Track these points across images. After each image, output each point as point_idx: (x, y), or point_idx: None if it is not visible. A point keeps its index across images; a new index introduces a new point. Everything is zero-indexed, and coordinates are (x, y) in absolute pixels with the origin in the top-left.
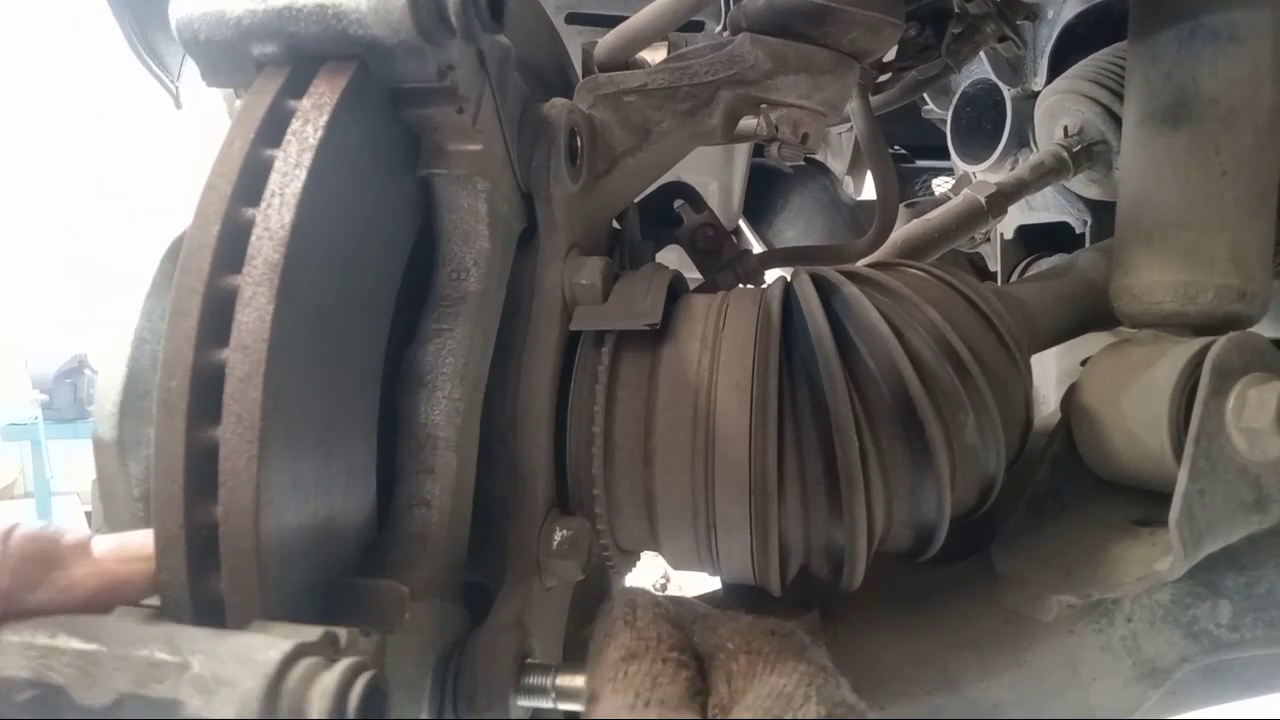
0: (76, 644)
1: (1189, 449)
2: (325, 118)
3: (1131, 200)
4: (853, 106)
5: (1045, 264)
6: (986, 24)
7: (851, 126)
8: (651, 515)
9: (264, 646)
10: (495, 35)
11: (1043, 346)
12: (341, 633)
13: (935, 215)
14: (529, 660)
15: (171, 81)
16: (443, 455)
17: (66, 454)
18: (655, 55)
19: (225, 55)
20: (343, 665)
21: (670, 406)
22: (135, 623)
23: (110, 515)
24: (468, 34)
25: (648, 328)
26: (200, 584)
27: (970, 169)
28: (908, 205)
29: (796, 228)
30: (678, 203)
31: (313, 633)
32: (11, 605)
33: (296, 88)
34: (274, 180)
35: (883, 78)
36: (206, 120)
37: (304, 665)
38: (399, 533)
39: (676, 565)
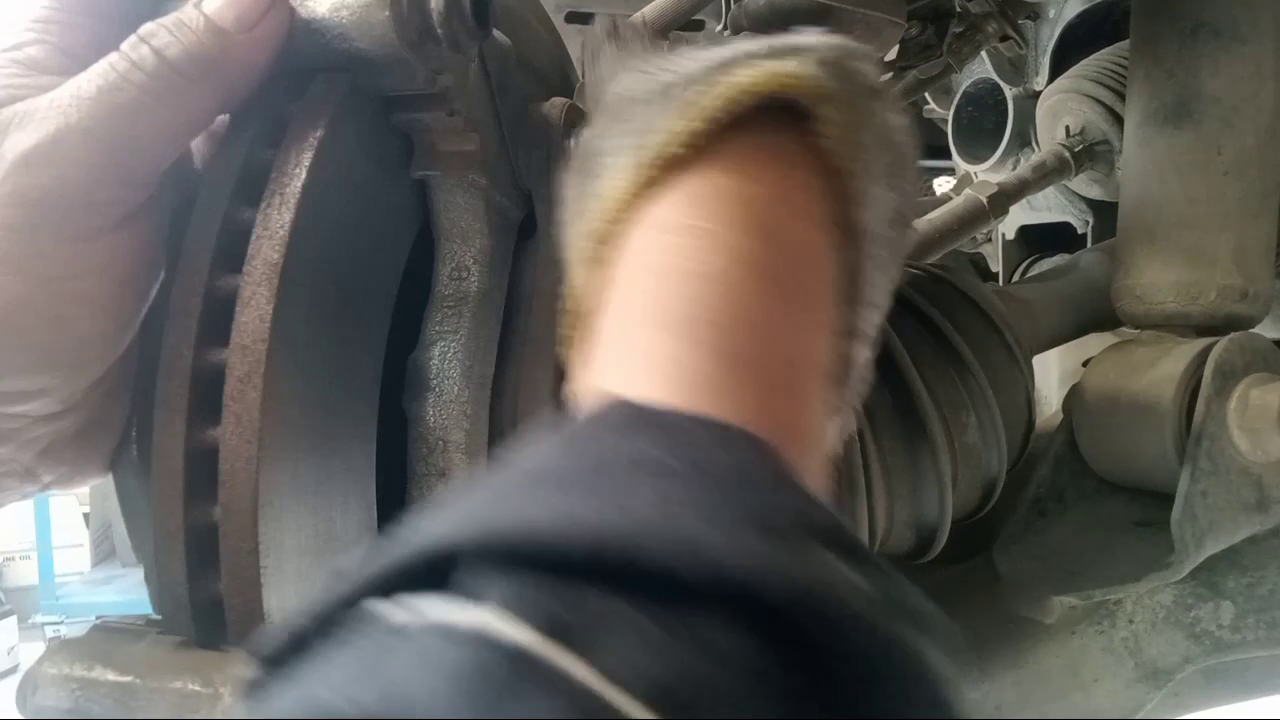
0: (112, 676)
1: (1191, 449)
2: (324, 118)
3: (1133, 200)
4: None
5: (1047, 264)
6: (988, 23)
7: None
8: None
9: None
10: (485, 39)
11: (1045, 347)
12: None
13: (936, 215)
14: None
15: None
16: (454, 458)
17: None
18: None
19: None
20: None
21: None
22: (166, 652)
23: (133, 531)
24: (454, 43)
25: None
26: (199, 585)
27: (972, 169)
28: None
29: None
30: None
31: None
32: None
33: (293, 91)
34: (273, 180)
35: (884, 77)
36: None
37: None
38: None
39: None
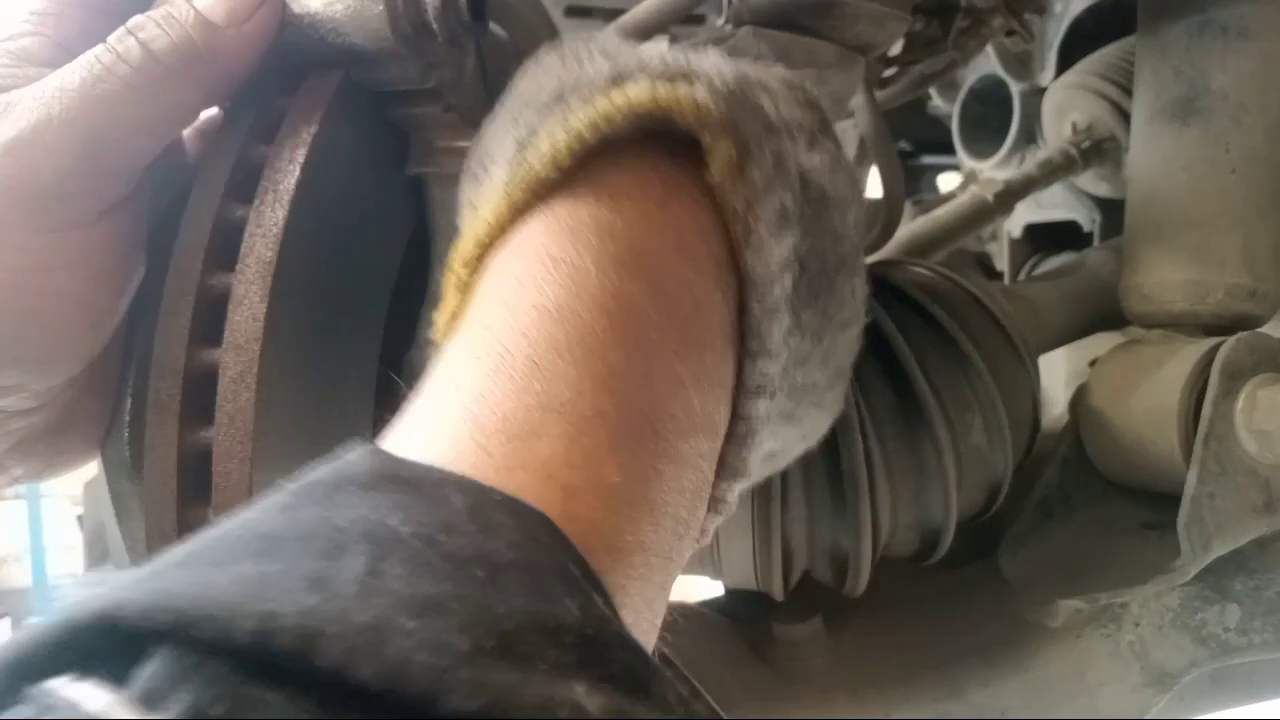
0: None
1: (1198, 451)
2: (319, 113)
3: (1141, 198)
4: (858, 101)
5: (1053, 263)
6: (994, 17)
7: (856, 122)
8: None
9: None
10: (482, 34)
11: (1051, 347)
12: None
13: (941, 212)
14: None
15: None
16: None
17: None
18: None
19: None
20: None
21: None
22: None
23: (126, 534)
24: (451, 38)
25: None
26: None
27: (977, 165)
28: (914, 202)
29: None
30: None
31: None
32: None
33: (287, 86)
34: (267, 177)
35: (888, 72)
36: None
37: None
38: None
39: None
